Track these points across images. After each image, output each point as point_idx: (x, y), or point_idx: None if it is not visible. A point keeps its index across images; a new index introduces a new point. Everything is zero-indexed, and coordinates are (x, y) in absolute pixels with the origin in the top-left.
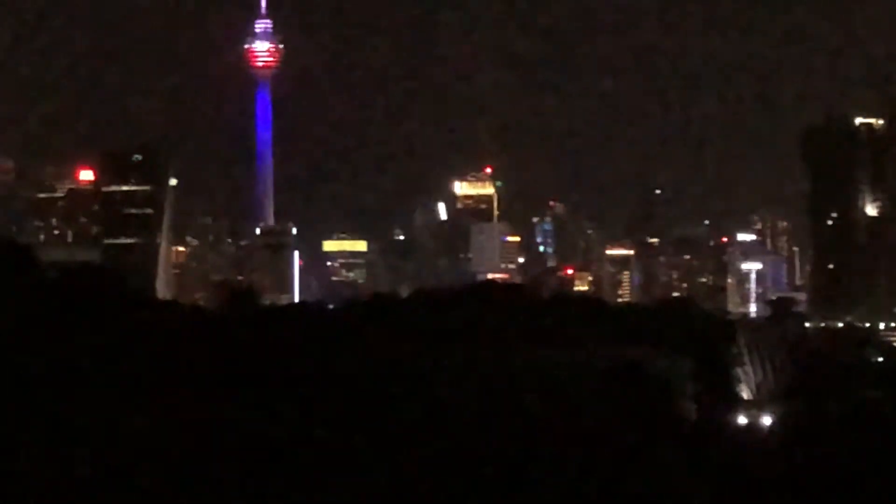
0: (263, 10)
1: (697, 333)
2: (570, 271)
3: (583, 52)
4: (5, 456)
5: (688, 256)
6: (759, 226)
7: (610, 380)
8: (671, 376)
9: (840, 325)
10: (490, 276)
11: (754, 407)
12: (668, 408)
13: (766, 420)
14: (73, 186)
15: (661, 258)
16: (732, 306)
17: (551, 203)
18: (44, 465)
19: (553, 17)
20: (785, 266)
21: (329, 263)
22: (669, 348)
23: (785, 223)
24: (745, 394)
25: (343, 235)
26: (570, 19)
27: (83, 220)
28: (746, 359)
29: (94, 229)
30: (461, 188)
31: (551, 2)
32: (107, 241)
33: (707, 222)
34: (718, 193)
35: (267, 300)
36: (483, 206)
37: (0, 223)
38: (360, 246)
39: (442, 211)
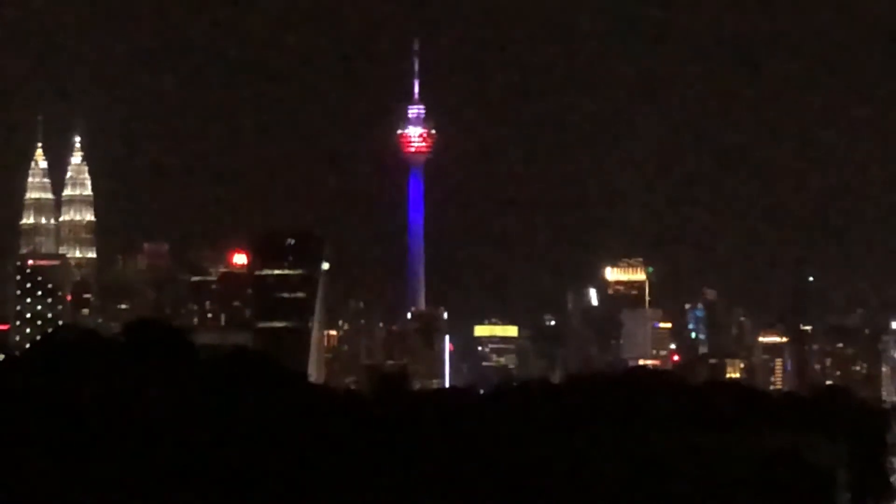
0: (416, 96)
1: (852, 422)
2: (722, 359)
3: (733, 143)
4: None
5: (841, 344)
6: None
7: (766, 466)
8: (826, 464)
9: None
10: (641, 362)
11: None
12: (824, 495)
13: None
14: (226, 270)
15: (815, 346)
16: (887, 395)
17: (703, 289)
18: None
19: (708, 119)
20: None
21: (480, 348)
22: (824, 436)
23: None
24: None
25: (494, 321)
26: (716, 115)
27: (236, 303)
28: None
29: (247, 312)
30: (613, 274)
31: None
32: (259, 325)
33: (861, 310)
34: (872, 281)
35: (418, 385)
36: (634, 291)
37: (155, 306)
38: (512, 331)
39: (593, 297)
